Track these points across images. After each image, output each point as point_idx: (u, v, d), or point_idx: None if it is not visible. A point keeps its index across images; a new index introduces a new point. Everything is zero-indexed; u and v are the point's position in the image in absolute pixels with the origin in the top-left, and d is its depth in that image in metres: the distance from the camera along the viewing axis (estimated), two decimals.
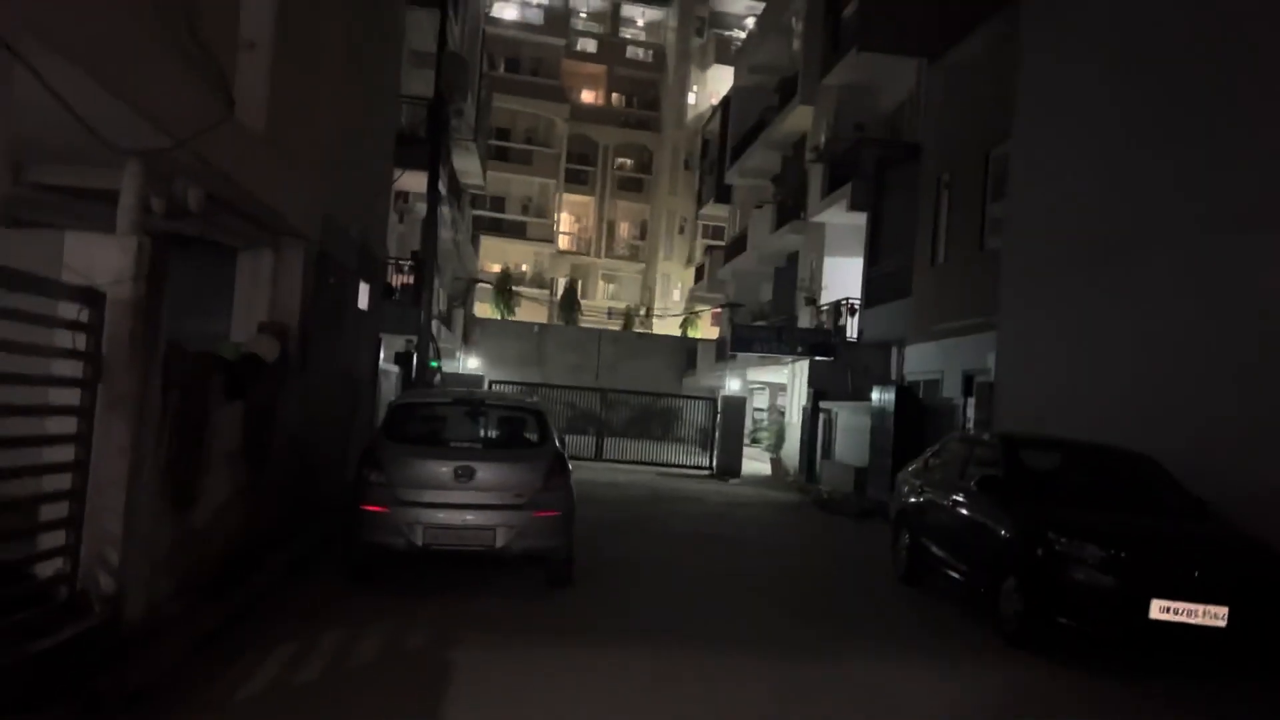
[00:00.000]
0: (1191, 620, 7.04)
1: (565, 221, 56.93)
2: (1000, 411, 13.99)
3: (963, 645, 7.84)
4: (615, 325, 47.08)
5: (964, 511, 9.10)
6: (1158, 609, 7.04)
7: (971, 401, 15.63)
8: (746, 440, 26.12)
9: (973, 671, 7.08)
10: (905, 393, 17.44)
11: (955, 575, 9.09)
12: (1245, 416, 9.32)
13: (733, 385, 30.16)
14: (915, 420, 16.67)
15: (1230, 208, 9.80)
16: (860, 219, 21.33)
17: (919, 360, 18.27)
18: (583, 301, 49.29)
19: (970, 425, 15.09)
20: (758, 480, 22.97)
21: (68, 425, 5.01)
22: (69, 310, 4.99)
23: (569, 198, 56.39)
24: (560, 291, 49.00)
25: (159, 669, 5.28)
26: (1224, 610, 7.04)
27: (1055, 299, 12.96)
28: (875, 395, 18.01)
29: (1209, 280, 10.05)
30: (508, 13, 53.04)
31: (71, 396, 5.04)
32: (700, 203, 40.13)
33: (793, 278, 26.48)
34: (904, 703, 6.27)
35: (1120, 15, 12.17)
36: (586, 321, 47.34)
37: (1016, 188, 14.50)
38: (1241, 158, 9.71)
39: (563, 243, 56.25)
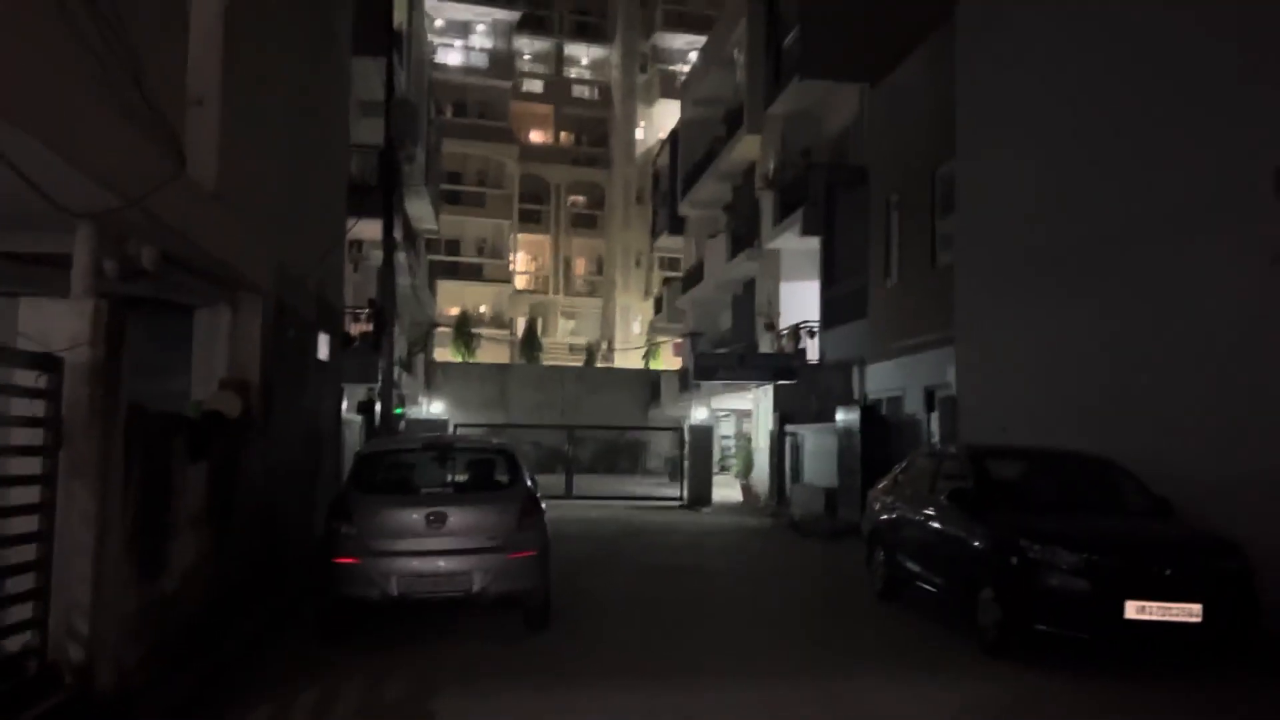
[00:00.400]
0: (1166, 618, 7.14)
1: (521, 261, 56.98)
2: (964, 424, 14.16)
3: (943, 657, 7.87)
4: (577, 361, 47.07)
5: (936, 525, 9.17)
6: (1133, 609, 7.14)
7: (935, 416, 15.80)
8: (716, 468, 26.16)
9: (955, 682, 7.10)
10: (869, 412, 17.60)
11: (932, 589, 9.15)
12: (1202, 416, 9.51)
13: (698, 414, 30.24)
14: (881, 438, 16.82)
15: (1173, 212, 10.05)
16: (813, 243, 21.59)
17: (880, 378, 18.46)
18: (543, 339, 49.26)
19: (935, 440, 15.25)
20: (729, 508, 22.96)
21: (31, 495, 4.91)
22: (26, 378, 4.90)
23: (524, 237, 56.50)
24: (520, 331, 48.94)
25: None
26: (1197, 606, 7.16)
27: (1010, 310, 13.19)
28: (840, 416, 18.14)
29: (1157, 284, 10.29)
30: (453, 58, 53.28)
31: (33, 465, 4.94)
32: (655, 235, 40.38)
33: (751, 304, 26.68)
34: (889, 717, 6.28)
35: (1052, 28, 12.52)
36: (548, 359, 47.27)
37: (964, 203, 14.79)
38: (1183, 162, 9.99)
39: (520, 282, 56.24)
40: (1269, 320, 8.66)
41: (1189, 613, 7.15)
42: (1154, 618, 7.14)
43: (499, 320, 51.97)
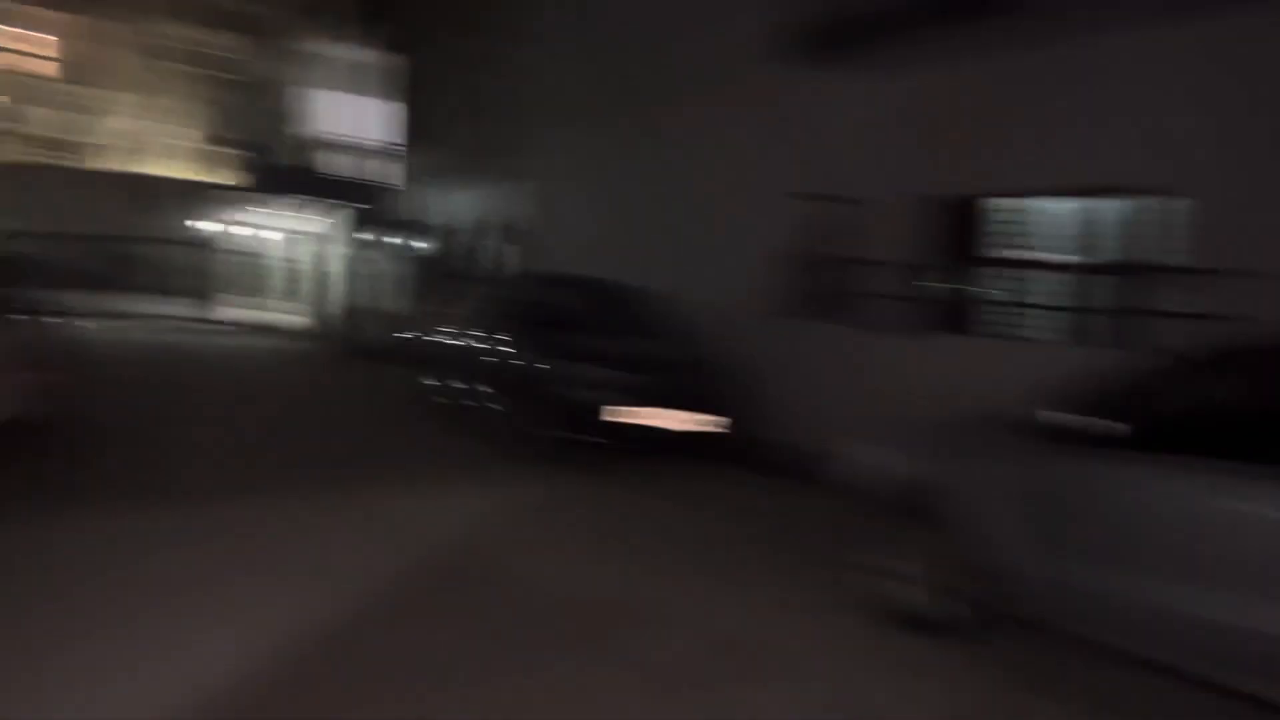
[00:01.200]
0: (668, 425, 8.44)
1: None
2: (526, 254, 14.73)
3: (489, 467, 8.45)
4: (72, 162, 40.12)
5: (485, 346, 9.81)
6: (646, 418, 8.35)
7: (499, 245, 16.22)
8: (269, 289, 24.67)
9: (500, 486, 7.67)
10: (436, 238, 17.63)
11: (481, 406, 9.64)
12: (710, 259, 10.78)
13: (246, 230, 27.99)
14: (446, 265, 17.04)
15: (692, 69, 11.04)
16: (391, 59, 20.58)
17: (451, 206, 18.48)
18: (20, 130, 41.16)
19: (498, 268, 15.70)
20: (289, 332, 21.97)
21: None
22: None
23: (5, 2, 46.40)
24: None
25: None
26: (700, 416, 8.58)
27: (571, 147, 13.78)
28: (406, 241, 18.03)
29: (676, 136, 11.36)
30: None
31: None
32: (185, 24, 35.50)
33: (304, 114, 24.79)
34: (422, 519, 6.58)
35: None
36: (29, 157, 39.68)
37: (538, 36, 14.94)
38: (699, 20, 10.87)
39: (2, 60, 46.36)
40: (753, 171, 9.97)
41: (694, 422, 8.55)
42: (661, 424, 8.39)
43: None
